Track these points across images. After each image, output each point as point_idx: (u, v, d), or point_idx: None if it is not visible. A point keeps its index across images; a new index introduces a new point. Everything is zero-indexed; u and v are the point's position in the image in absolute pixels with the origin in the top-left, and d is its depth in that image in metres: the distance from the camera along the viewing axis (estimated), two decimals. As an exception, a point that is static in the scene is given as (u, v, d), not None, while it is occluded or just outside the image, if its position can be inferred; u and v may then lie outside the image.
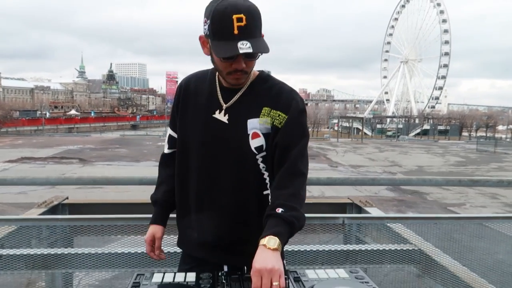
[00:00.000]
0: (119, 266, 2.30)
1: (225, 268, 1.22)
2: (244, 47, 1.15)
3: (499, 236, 2.12)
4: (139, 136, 44.41)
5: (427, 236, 2.26)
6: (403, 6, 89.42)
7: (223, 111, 1.31)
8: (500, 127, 69.40)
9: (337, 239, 2.56)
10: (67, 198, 3.31)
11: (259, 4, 1.24)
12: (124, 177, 2.18)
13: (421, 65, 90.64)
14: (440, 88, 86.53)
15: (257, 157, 1.30)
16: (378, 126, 70.23)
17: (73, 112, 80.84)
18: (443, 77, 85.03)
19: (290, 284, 1.02)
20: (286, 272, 1.08)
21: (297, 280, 1.04)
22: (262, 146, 1.29)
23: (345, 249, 2.31)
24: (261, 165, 1.31)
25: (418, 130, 66.21)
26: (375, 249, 2.39)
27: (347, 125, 62.63)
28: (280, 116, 1.28)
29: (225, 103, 1.31)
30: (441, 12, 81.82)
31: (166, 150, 1.49)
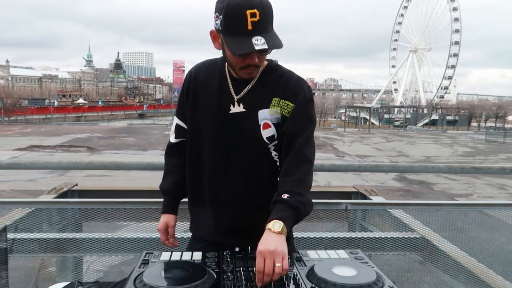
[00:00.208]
0: (128, 251, 2.36)
1: (237, 249, 1.25)
2: (259, 43, 1.16)
3: (499, 223, 2.12)
4: (146, 125, 44.61)
5: (429, 222, 2.27)
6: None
7: (236, 103, 1.33)
8: (510, 118, 68.36)
9: (342, 228, 2.59)
10: (76, 184, 3.37)
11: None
12: (133, 162, 2.25)
13: (430, 54, 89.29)
14: (450, 78, 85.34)
15: (269, 146, 1.33)
16: (386, 116, 69.66)
17: (81, 101, 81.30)
18: (453, 67, 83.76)
19: (292, 263, 1.05)
20: (289, 251, 1.10)
21: (299, 259, 1.07)
22: (273, 136, 1.32)
23: (348, 236, 2.33)
24: (273, 153, 1.35)
25: (426, 120, 65.56)
26: (378, 236, 2.42)
27: (354, 115, 62.14)
28: (288, 106, 1.31)
29: (236, 95, 1.33)
30: (452, 0, 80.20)
31: (172, 140, 1.50)
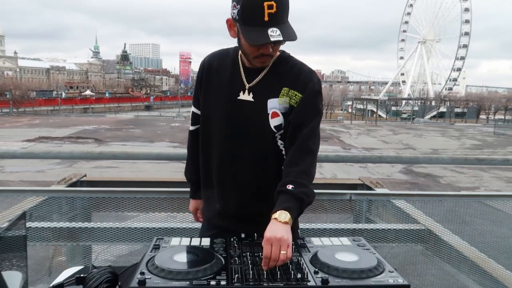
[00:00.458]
0: (136, 240, 2.42)
1: (243, 235, 1.30)
2: (275, 34, 1.19)
3: (501, 214, 2.14)
4: (153, 117, 44.75)
5: (432, 214, 2.30)
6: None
7: (246, 91, 1.37)
8: (520, 110, 67.37)
9: (348, 220, 2.63)
10: (85, 175, 3.44)
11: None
12: (142, 152, 2.31)
13: (439, 45, 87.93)
14: (459, 70, 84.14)
15: (276, 134, 1.37)
16: (393, 108, 69.08)
17: (88, 92, 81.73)
18: (462, 58, 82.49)
19: (296, 249, 1.08)
20: (294, 238, 1.14)
21: (303, 246, 1.11)
22: (281, 124, 1.36)
23: (353, 227, 2.37)
24: (279, 142, 1.38)
25: (434, 113, 64.90)
26: (382, 228, 2.45)
27: (361, 107, 61.72)
28: (296, 96, 1.34)
29: (248, 83, 1.37)
30: (462, -11, 78.75)
31: (191, 128, 1.58)
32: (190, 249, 1.07)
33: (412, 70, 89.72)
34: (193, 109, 1.55)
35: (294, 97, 1.34)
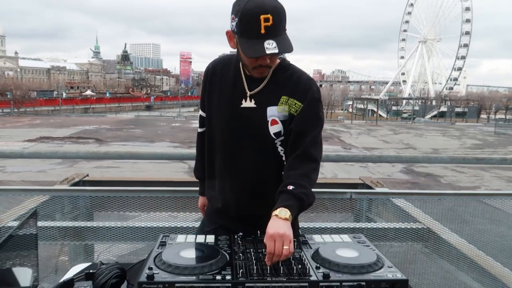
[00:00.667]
0: (138, 239, 2.45)
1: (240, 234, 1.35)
2: (271, 47, 1.23)
3: (499, 213, 2.17)
4: (154, 117, 44.80)
5: (432, 212, 2.33)
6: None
7: (248, 98, 1.41)
8: (520, 110, 67.26)
9: (348, 219, 2.66)
10: (87, 175, 3.48)
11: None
12: (147, 152, 2.34)
13: (440, 45, 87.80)
14: (459, 69, 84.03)
15: (276, 141, 1.41)
16: (394, 108, 69.04)
17: (88, 92, 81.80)
18: (463, 58, 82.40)
19: (298, 246, 1.12)
20: (296, 236, 1.19)
21: (305, 243, 1.15)
22: (280, 132, 1.40)
23: (353, 226, 2.40)
24: (279, 148, 1.43)
25: (435, 112, 64.83)
26: (383, 227, 2.48)
27: (362, 107, 61.69)
28: (296, 105, 1.38)
29: (250, 91, 1.41)
30: (463, -11, 78.65)
31: (199, 129, 1.65)
32: (196, 246, 1.11)
33: (413, 69, 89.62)
34: (200, 112, 1.61)
35: (293, 106, 1.38)
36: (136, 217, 2.62)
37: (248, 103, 1.41)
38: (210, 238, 1.16)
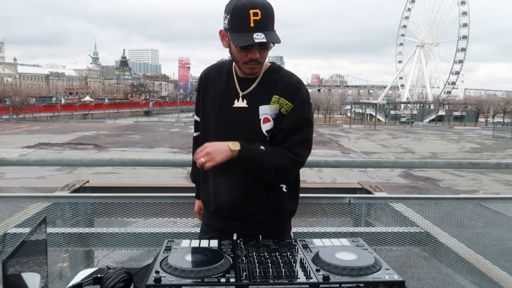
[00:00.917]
0: (137, 245, 2.47)
1: (235, 236, 1.43)
2: (259, 37, 1.32)
3: (497, 216, 2.21)
4: (152, 123, 44.86)
5: (431, 217, 2.36)
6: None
7: (241, 98, 1.48)
8: (518, 113, 67.50)
9: (347, 224, 2.69)
10: (88, 181, 3.51)
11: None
12: (150, 159, 2.38)
13: (437, 49, 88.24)
14: (457, 73, 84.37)
15: (267, 138, 1.48)
16: (392, 112, 69.18)
17: (87, 98, 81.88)
18: (461, 62, 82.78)
19: (299, 249, 1.16)
20: (296, 240, 1.25)
21: (305, 247, 1.19)
22: (272, 129, 1.48)
23: (351, 231, 2.43)
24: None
25: (433, 116, 64.98)
26: (382, 231, 2.51)
27: (360, 111, 61.83)
28: (287, 105, 1.46)
29: (242, 91, 1.49)
30: (460, -7, 79.19)
31: (194, 134, 1.72)
32: (200, 250, 1.15)
33: (411, 73, 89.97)
34: (195, 117, 1.69)
35: (284, 106, 1.45)
36: (135, 223, 2.64)
37: (240, 103, 1.48)
38: (214, 243, 1.20)
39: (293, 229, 1.71)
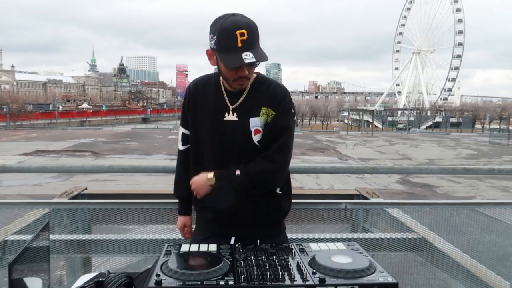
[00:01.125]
0: (135, 252, 2.48)
1: (232, 239, 1.47)
2: (248, 57, 1.37)
3: (491, 221, 2.25)
4: (150, 130, 44.86)
5: (426, 222, 2.39)
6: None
7: (231, 112, 1.54)
8: (514, 119, 67.93)
9: (345, 231, 2.71)
10: (86, 188, 3.52)
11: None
12: (150, 166, 2.41)
13: (433, 56, 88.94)
14: (453, 80, 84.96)
15: (259, 148, 1.53)
16: (389, 118, 69.52)
17: (85, 105, 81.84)
18: (456, 68, 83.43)
19: (296, 253, 1.19)
20: (293, 244, 1.29)
21: (302, 250, 1.22)
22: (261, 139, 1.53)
23: (350, 237, 2.45)
24: None
25: (430, 123, 65.33)
26: (379, 237, 2.53)
27: (357, 118, 62.09)
28: (272, 115, 1.52)
29: (231, 105, 1.54)
30: (455, 1, 79.97)
31: (180, 147, 1.71)
32: (199, 254, 1.18)
33: (407, 80, 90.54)
34: (182, 130, 1.69)
35: (270, 115, 1.52)
36: (133, 230, 2.65)
37: (230, 116, 1.54)
38: (213, 247, 1.23)
39: (291, 235, 1.76)
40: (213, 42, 1.43)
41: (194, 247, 1.21)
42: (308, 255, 1.18)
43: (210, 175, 1.51)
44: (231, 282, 0.99)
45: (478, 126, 63.53)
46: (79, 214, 2.64)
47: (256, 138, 1.52)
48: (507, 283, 2.28)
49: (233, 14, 1.43)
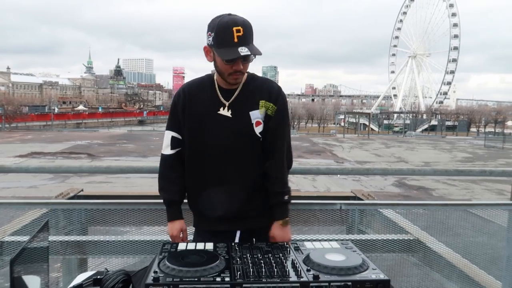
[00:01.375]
0: (131, 253, 2.49)
1: (238, 233, 1.55)
2: (244, 51, 1.48)
3: (483, 222, 2.28)
4: (146, 132, 44.79)
5: (420, 223, 2.43)
6: (412, 0, 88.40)
7: (226, 108, 1.61)
8: (509, 123, 68.35)
9: (342, 232, 2.74)
10: (82, 190, 3.53)
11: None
12: (147, 166, 2.43)
13: (429, 59, 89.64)
14: (449, 83, 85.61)
15: (260, 139, 1.63)
16: (385, 121, 69.80)
17: (81, 107, 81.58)
18: (452, 72, 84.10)
19: (291, 251, 1.22)
20: (288, 243, 1.33)
21: (297, 249, 1.25)
22: (262, 130, 1.63)
23: (347, 238, 2.48)
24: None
25: (426, 126, 65.65)
26: (374, 238, 2.56)
27: (354, 121, 62.27)
28: (272, 107, 1.63)
29: (226, 101, 1.62)
30: (451, 5, 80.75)
31: (168, 152, 1.69)
32: (196, 252, 1.20)
33: (403, 84, 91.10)
34: (172, 133, 1.67)
35: (270, 108, 1.63)
36: (130, 231, 2.65)
37: (225, 112, 1.61)
38: (209, 245, 1.25)
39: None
40: (210, 38, 1.52)
41: (191, 246, 1.24)
42: (302, 253, 1.20)
43: (283, 222, 1.63)
44: (227, 279, 1.01)
45: (473, 129, 63.88)
46: (75, 215, 2.64)
47: (257, 129, 1.61)
48: (499, 283, 2.32)
49: (230, 14, 1.53)
